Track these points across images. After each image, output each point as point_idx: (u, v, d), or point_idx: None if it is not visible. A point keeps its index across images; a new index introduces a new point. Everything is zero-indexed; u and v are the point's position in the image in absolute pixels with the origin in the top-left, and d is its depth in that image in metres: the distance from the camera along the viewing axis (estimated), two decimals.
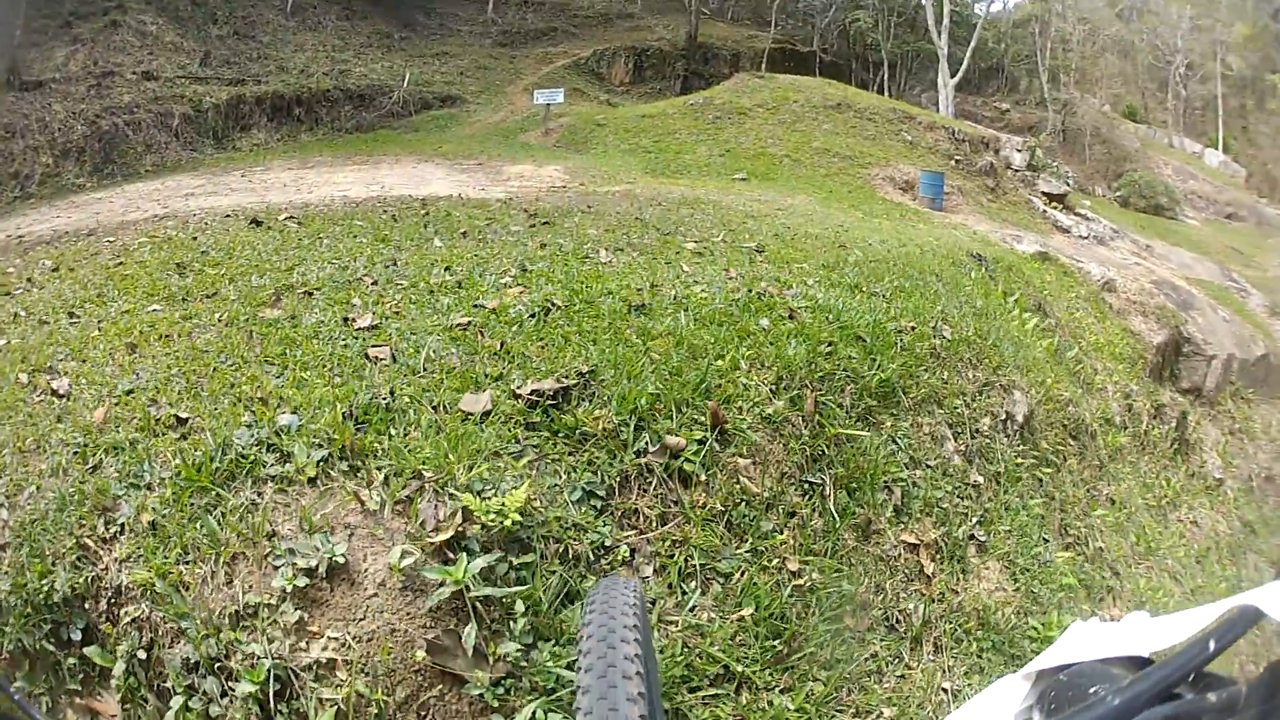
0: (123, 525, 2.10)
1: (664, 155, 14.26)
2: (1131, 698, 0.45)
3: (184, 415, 2.44)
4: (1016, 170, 17.29)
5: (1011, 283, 7.38)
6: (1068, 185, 18.16)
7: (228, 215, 7.35)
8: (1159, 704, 0.45)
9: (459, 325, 2.99)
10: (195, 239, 5.85)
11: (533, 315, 3.07)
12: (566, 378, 2.54)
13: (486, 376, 2.56)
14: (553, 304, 3.21)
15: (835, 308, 3.59)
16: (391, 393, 2.43)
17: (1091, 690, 0.52)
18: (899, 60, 30.62)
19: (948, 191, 13.81)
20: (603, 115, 17.87)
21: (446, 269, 3.99)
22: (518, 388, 2.47)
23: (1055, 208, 16.52)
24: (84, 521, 2.14)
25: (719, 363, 2.81)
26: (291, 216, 6.68)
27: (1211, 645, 0.45)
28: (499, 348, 2.76)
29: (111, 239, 6.94)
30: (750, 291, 3.62)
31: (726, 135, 15.25)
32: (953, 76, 25.01)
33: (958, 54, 26.03)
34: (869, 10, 28.53)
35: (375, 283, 3.78)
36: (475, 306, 3.23)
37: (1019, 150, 17.96)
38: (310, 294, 3.65)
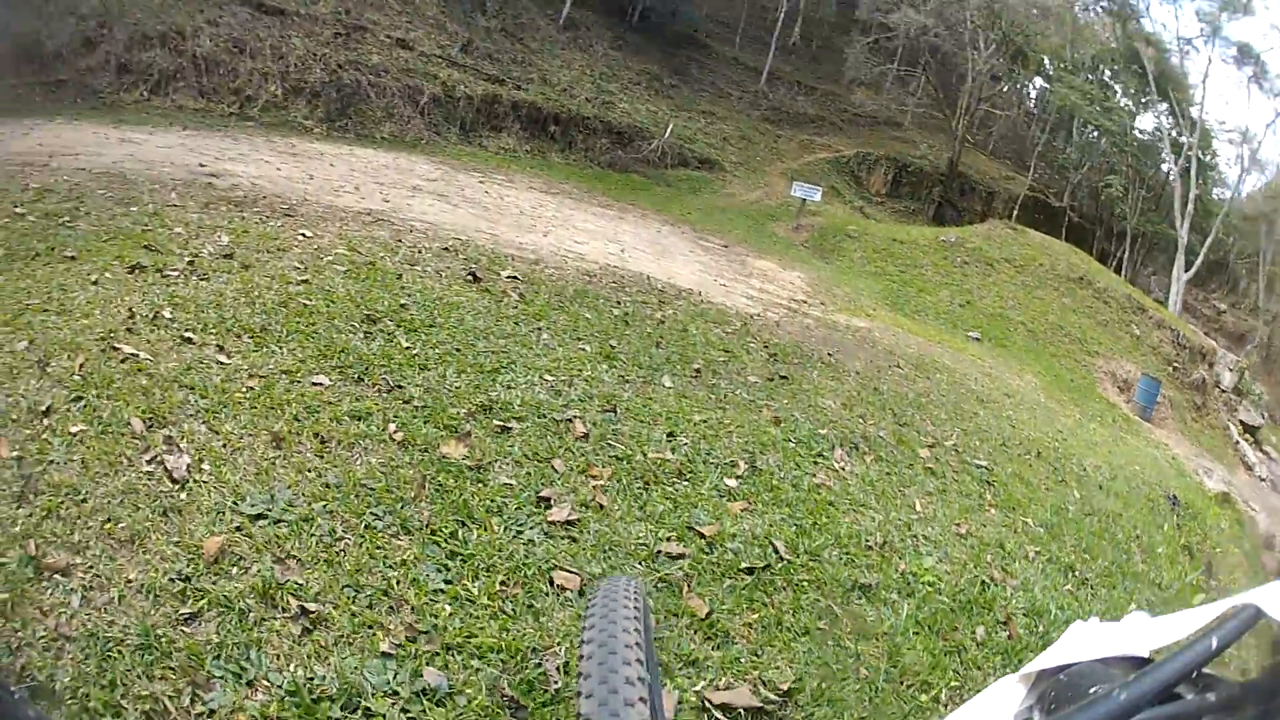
0: (212, 712, 1.67)
1: (906, 290, 14.14)
2: (1132, 698, 0.44)
3: (311, 607, 1.99)
4: (1224, 390, 17.13)
5: (1192, 535, 6.71)
6: (1262, 418, 18.08)
7: (446, 248, 6.31)
8: (1159, 704, 0.44)
9: (667, 555, 2.68)
10: (400, 277, 5.05)
11: (749, 570, 2.75)
12: (764, 688, 2.22)
13: (680, 661, 2.22)
14: (774, 548, 2.94)
15: (1047, 612, 3.31)
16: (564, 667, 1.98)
17: (1091, 690, 0.51)
18: (1140, 237, 29.28)
19: (1159, 400, 13.75)
20: (855, 226, 17.48)
21: (669, 435, 3.68)
22: (707, 690, 2.14)
23: (1247, 439, 16.21)
24: (166, 677, 1.72)
25: (922, 697, 2.50)
26: (515, 277, 5.96)
27: (1211, 645, 0.45)
28: (704, 616, 2.41)
29: (308, 234, 5.71)
30: (976, 578, 3.37)
31: (970, 284, 15.12)
32: (1187, 270, 24.63)
33: (1194, 243, 25.57)
34: (1121, 177, 27.47)
35: (587, 436, 3.40)
36: (689, 529, 2.90)
37: (1230, 369, 17.75)
38: (508, 430, 3.22)
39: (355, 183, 8.94)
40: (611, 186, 15.94)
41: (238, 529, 2.20)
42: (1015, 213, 24.35)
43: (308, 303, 4.06)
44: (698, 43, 25.82)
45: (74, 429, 2.42)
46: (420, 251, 5.94)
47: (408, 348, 3.80)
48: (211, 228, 5.20)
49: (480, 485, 2.76)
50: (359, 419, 2.96)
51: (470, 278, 5.48)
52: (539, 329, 4.73)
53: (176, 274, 4.07)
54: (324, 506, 2.39)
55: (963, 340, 11.66)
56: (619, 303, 6.11)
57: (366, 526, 2.35)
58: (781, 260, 13.06)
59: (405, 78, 15.14)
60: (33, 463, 2.22)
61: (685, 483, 3.28)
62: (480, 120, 15.93)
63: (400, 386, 3.32)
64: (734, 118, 23.69)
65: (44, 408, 2.49)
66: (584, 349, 4.64)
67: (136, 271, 4.01)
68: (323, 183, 8.33)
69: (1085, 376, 13.11)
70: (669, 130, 19.55)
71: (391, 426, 2.97)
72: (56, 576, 1.87)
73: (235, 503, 2.29)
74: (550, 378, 3.95)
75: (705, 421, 4.02)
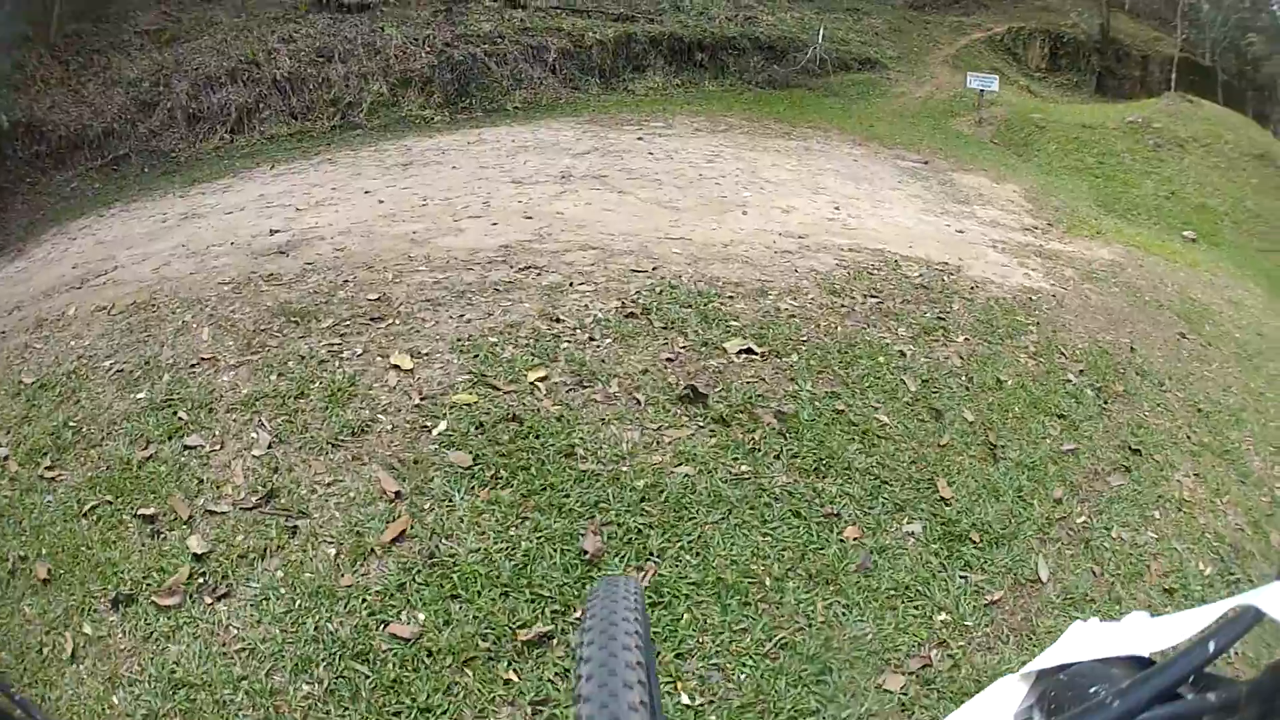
0: None
1: (1111, 185, 13.00)
2: (1133, 699, 0.44)
3: None
4: None
5: None
6: None
7: (628, 306, 3.95)
8: (1160, 705, 0.44)
9: None
10: (567, 437, 2.93)
11: None
12: None
13: None
14: None
15: None
16: None
17: (1091, 690, 0.50)
18: None
19: None
20: (1040, 114, 16.09)
21: None
22: None
23: None
24: None
25: None
26: (750, 350, 3.63)
27: (1212, 646, 0.44)
28: None
29: (403, 365, 3.37)
30: None
31: (1168, 170, 13.89)
32: None
33: None
34: (1266, 35, 26.07)
35: None
36: None
37: None
38: None
39: (486, 192, 6.51)
40: (780, 108, 14.35)
41: None
42: (1173, 78, 22.17)
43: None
44: None
45: None
46: (587, 326, 3.73)
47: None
48: (245, 415, 3.14)
49: None
50: None
51: (687, 395, 3.22)
52: (836, 511, 2.81)
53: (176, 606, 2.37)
54: None
55: (1182, 244, 10.55)
56: (895, 346, 3.98)
57: None
58: (986, 168, 11.66)
59: (525, 38, 13.24)
60: None
61: None
62: (620, 64, 14.20)
63: None
64: (879, 10, 21.77)
65: None
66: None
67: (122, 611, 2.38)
68: (440, 208, 5.98)
69: None
70: (821, 35, 17.98)
71: None
72: None
73: None
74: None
75: None
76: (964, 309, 4.67)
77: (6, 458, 3.17)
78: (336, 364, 3.30)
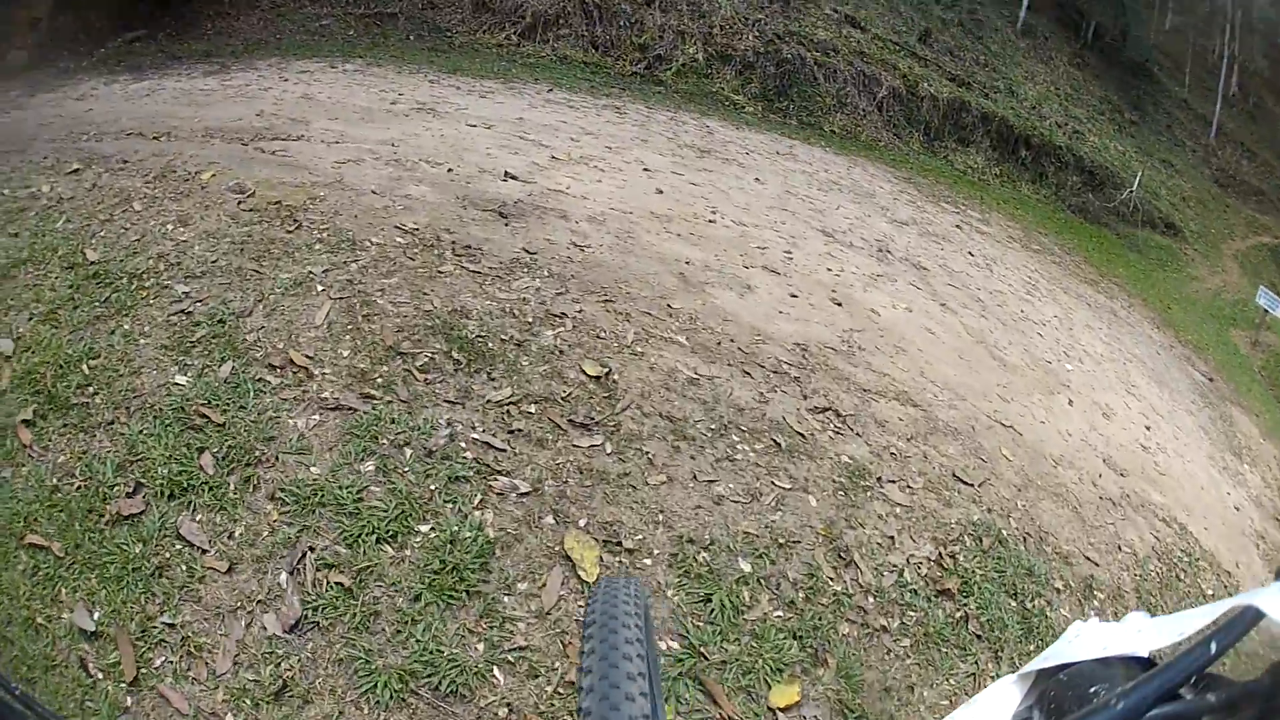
0: None
1: None
2: (1136, 700, 0.43)
3: None
4: None
5: None
6: None
7: (940, 589, 2.43)
8: (1162, 705, 0.43)
9: None
10: None
11: None
12: None
13: None
14: None
15: None
16: None
17: (1091, 690, 0.50)
18: None
19: None
20: None
21: None
22: None
23: None
24: None
25: None
26: None
27: (1213, 648, 0.43)
28: None
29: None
30: None
31: None
32: None
33: None
34: None
35: None
36: None
37: None
38: None
39: (790, 233, 5.09)
40: (1089, 246, 13.13)
41: None
42: None
43: None
44: (1149, 75, 22.16)
45: None
46: (884, 593, 2.28)
47: None
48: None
49: None
50: None
51: None
52: None
53: None
54: None
55: None
56: None
57: None
58: (1258, 415, 9.84)
59: (858, 62, 11.73)
60: None
61: None
62: (945, 128, 12.76)
63: None
64: (1189, 173, 20.11)
65: None
66: None
67: None
68: (731, 234, 4.57)
69: None
70: (1138, 180, 16.81)
71: None
72: None
73: None
74: None
75: None
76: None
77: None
78: (468, 506, 1.79)
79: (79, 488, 1.89)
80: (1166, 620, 0.50)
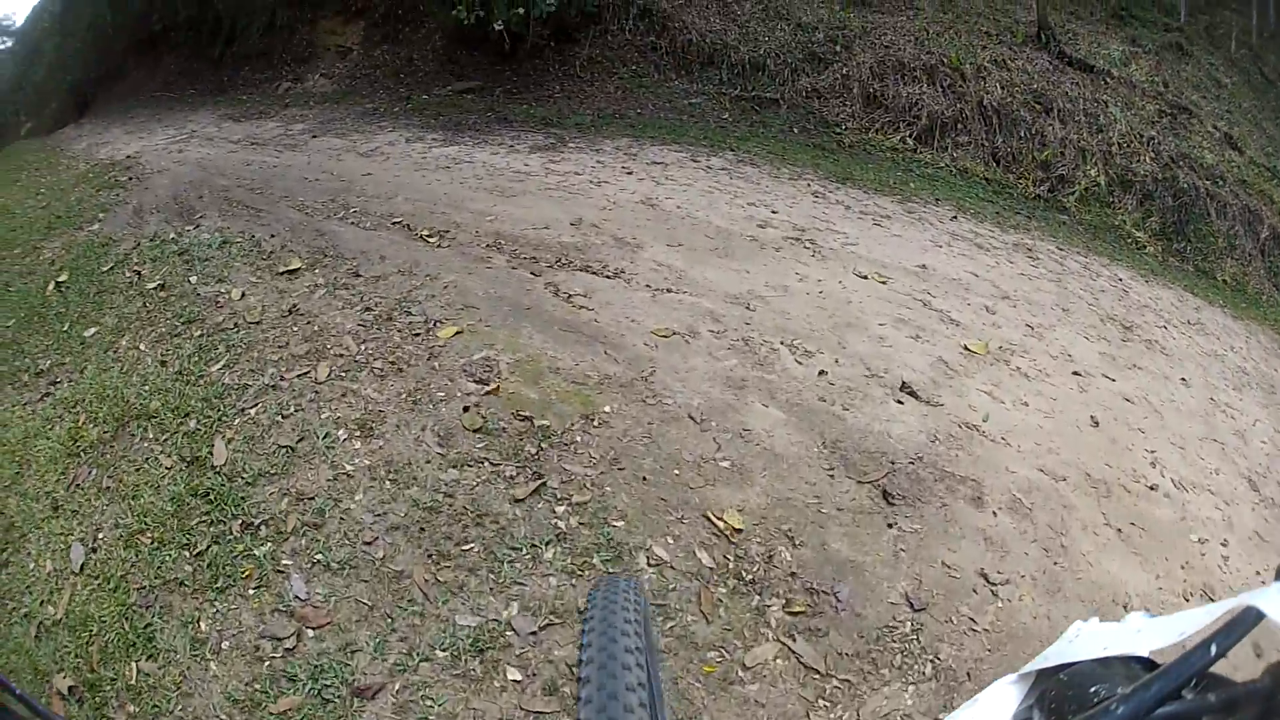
0: None
1: None
2: (1137, 702, 0.44)
3: None
4: None
5: None
6: None
7: None
8: (1164, 707, 0.44)
9: None
10: None
11: None
12: None
13: None
14: None
15: None
16: None
17: (1091, 691, 0.51)
18: None
19: None
20: None
21: None
22: None
23: None
24: None
25: None
26: None
27: (1214, 649, 0.43)
28: None
29: None
30: None
31: None
32: None
33: None
34: None
35: None
36: None
37: None
38: None
39: (1230, 495, 3.49)
40: None
41: None
42: None
43: None
44: None
45: None
46: None
47: None
48: None
49: None
50: None
51: None
52: None
53: None
54: None
55: None
56: None
57: None
58: None
59: (1241, 192, 9.37)
60: None
61: None
62: None
63: None
64: None
65: None
66: None
67: None
68: (1178, 535, 3.04)
69: None
70: None
71: None
72: None
73: None
74: None
75: None
76: None
77: None
78: None
79: None
80: (1167, 620, 0.50)
